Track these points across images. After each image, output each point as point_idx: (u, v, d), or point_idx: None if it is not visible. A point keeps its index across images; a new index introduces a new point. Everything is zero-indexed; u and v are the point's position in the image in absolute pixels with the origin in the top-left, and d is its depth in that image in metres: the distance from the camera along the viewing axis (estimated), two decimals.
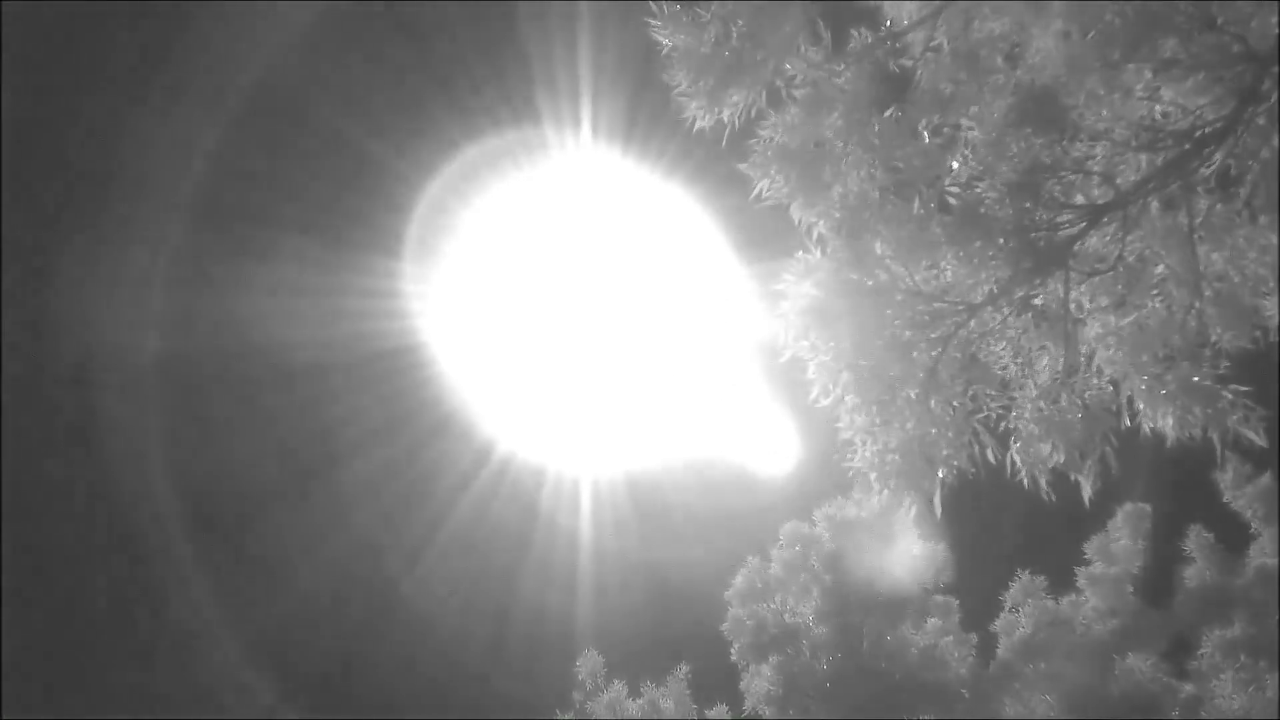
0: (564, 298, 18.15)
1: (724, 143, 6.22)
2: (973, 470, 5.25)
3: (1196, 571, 15.99)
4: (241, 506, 22.94)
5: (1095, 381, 5.18)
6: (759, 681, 15.93)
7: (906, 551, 17.05)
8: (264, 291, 19.62)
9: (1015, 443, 5.23)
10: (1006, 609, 16.72)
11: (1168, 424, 4.99)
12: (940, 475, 5.25)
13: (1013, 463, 5.25)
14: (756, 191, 6.00)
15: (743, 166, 6.07)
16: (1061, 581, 16.98)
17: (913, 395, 5.22)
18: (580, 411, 19.69)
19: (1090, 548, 16.95)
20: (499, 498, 21.29)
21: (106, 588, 22.09)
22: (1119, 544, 16.65)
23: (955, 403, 5.27)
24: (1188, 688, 14.05)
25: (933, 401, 5.21)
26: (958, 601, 17.26)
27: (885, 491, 5.23)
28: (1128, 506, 16.93)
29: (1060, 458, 5.10)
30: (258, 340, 20.12)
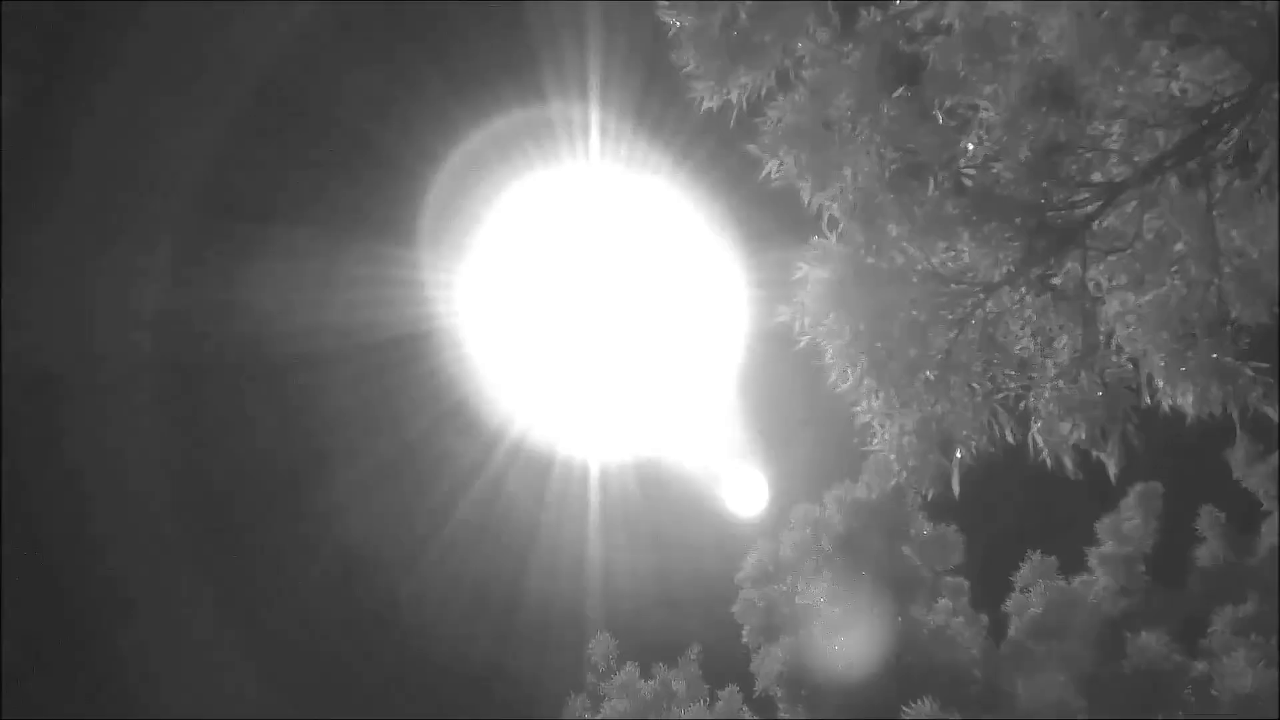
0: (573, 285, 18.11)
1: (733, 123, 6.20)
2: (992, 450, 5.25)
3: (1208, 551, 16.02)
4: (248, 496, 23.06)
5: (1115, 360, 5.17)
6: (770, 662, 15.99)
7: (917, 533, 17.10)
8: (263, 283, 19.65)
9: (1036, 423, 5.23)
10: (1017, 589, 16.76)
11: (1187, 401, 4.98)
12: (959, 456, 5.25)
13: (1033, 443, 5.25)
14: (765, 172, 5.98)
15: (751, 147, 6.06)
16: (1073, 562, 17.02)
17: (930, 377, 5.22)
18: (589, 399, 19.68)
19: (1102, 528, 16.98)
20: (507, 486, 21.35)
21: (99, 588, 22.17)
22: (1131, 524, 16.66)
23: (974, 384, 5.26)
24: (1199, 666, 14.07)
25: (951, 382, 5.20)
26: (968, 583, 17.31)
27: (904, 473, 5.23)
28: (1140, 486, 16.94)
29: (1081, 436, 5.09)
30: (257, 331, 20.18)
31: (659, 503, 20.85)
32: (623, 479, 20.43)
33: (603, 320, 18.30)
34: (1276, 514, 15.74)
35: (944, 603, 16.78)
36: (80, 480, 21.74)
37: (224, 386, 22.11)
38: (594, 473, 20.29)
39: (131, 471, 21.99)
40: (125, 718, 20.63)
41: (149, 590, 22.18)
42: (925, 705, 13.21)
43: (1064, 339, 5.30)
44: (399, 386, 20.65)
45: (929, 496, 5.26)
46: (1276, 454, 15.64)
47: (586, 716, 16.46)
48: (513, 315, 19.42)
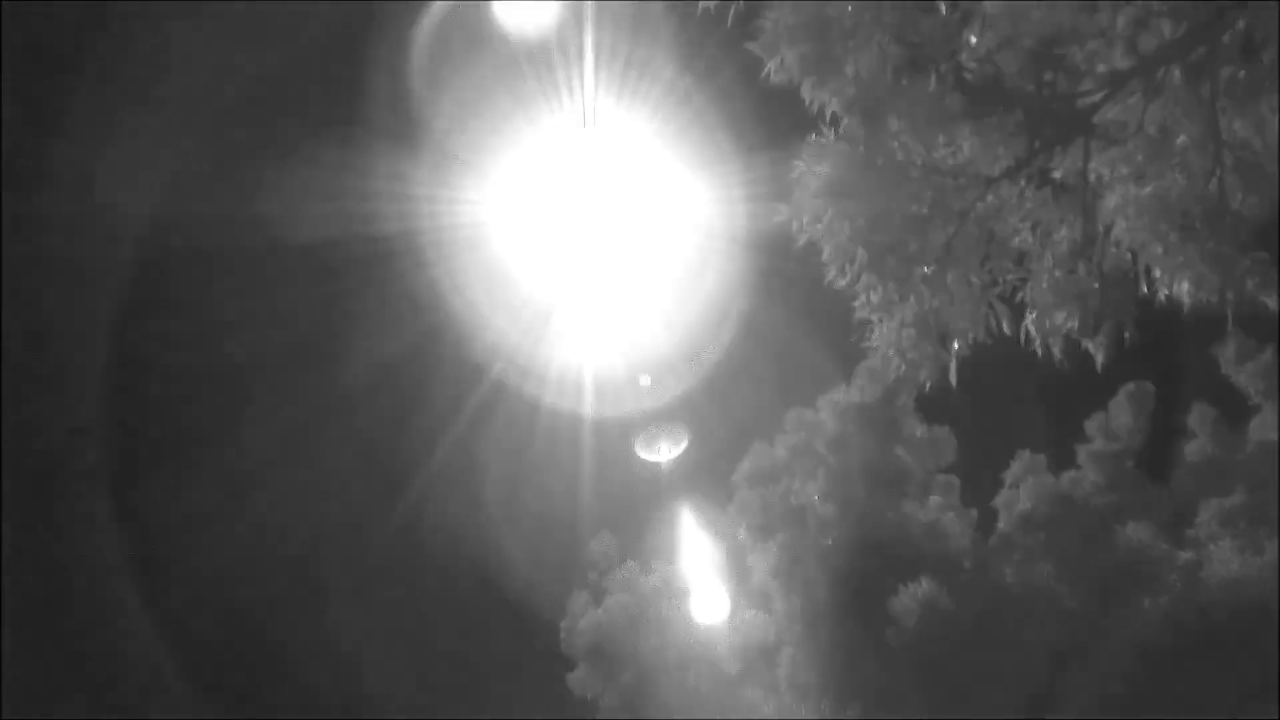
0: (569, 194, 17.90)
1: (729, 23, 6.07)
2: (989, 342, 5.29)
3: (1198, 446, 16.30)
4: (239, 402, 23.23)
5: (1113, 251, 5.17)
6: (766, 558, 16.48)
7: (910, 434, 17.39)
8: (259, 189, 19.45)
9: (1031, 313, 5.26)
10: (1007, 486, 17.13)
11: (1184, 290, 5.00)
12: (956, 348, 5.29)
13: (1027, 334, 5.28)
14: (765, 72, 5.87)
15: (751, 46, 5.93)
16: (1063, 460, 17.35)
17: (928, 271, 5.23)
18: (584, 305, 19.65)
19: (1092, 426, 17.26)
20: (502, 397, 21.49)
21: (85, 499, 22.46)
22: (1120, 421, 16.95)
23: (972, 277, 5.27)
24: (1185, 555, 14.47)
25: (949, 277, 5.22)
26: (959, 480, 17.66)
27: (901, 366, 5.29)
28: (1130, 385, 17.16)
29: (1075, 324, 5.13)
30: (251, 235, 20.07)
31: (651, 406, 21.04)
32: (617, 385, 20.56)
33: (598, 226, 18.16)
34: (1274, 409, 15.90)
35: (935, 499, 17.18)
36: (81, 370, 21.91)
37: (209, 287, 22.06)
38: (589, 380, 20.41)
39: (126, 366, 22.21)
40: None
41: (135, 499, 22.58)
42: (922, 585, 13.68)
43: (1063, 231, 5.29)
44: (399, 294, 20.60)
45: (927, 388, 5.30)
46: (1270, 349, 15.74)
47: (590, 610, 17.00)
48: (509, 224, 19.26)
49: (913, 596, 13.89)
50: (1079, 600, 14.27)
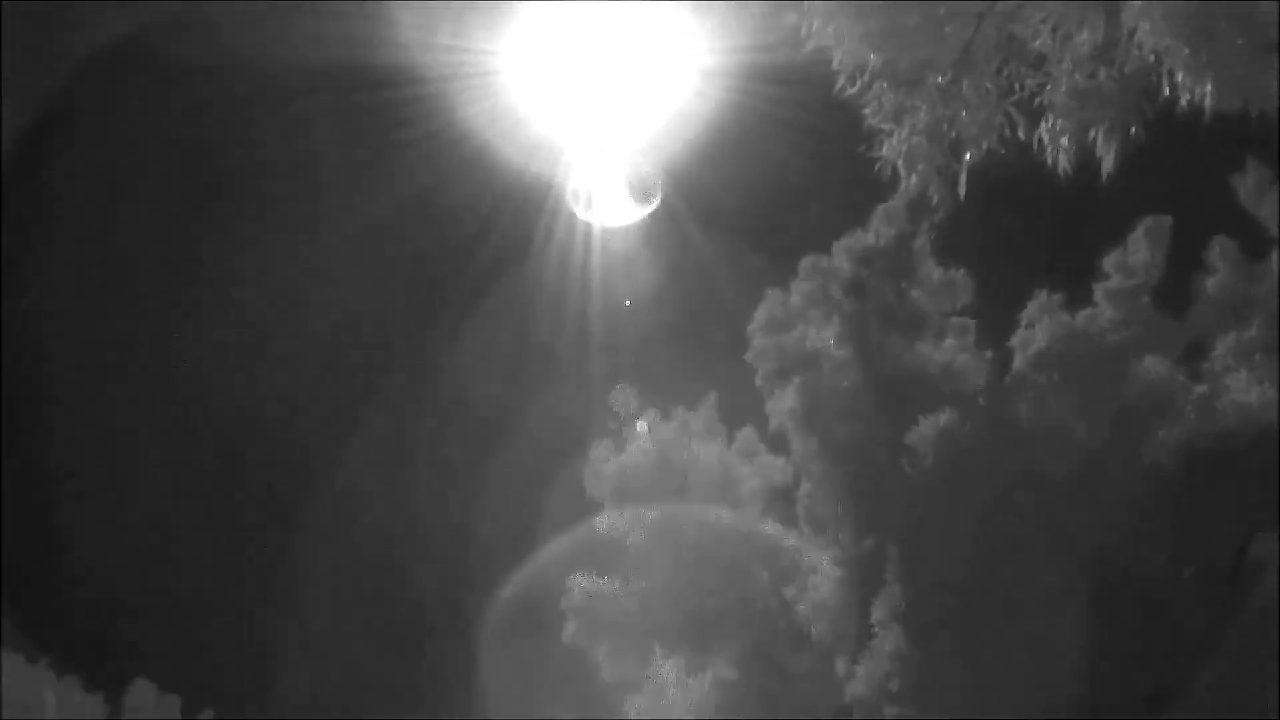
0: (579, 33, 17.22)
1: None
2: (1002, 152, 5.17)
3: (1218, 281, 16.15)
4: (254, 246, 23.36)
5: (1136, 54, 4.98)
6: (783, 403, 16.74)
7: (926, 276, 17.32)
8: (264, 29, 19.01)
9: (1047, 120, 5.11)
10: (1023, 326, 17.13)
11: (1206, 92, 4.83)
12: (968, 158, 5.19)
13: (1040, 141, 5.15)
14: None
15: None
16: (1080, 299, 17.27)
17: (942, 80, 5.08)
18: (585, 135, 19.12)
19: (1109, 263, 17.10)
20: (505, 239, 21.37)
21: None
22: (1137, 257, 16.77)
23: (987, 84, 5.11)
24: (1200, 388, 14.56)
25: (965, 83, 5.06)
26: (975, 322, 17.68)
27: (912, 177, 5.19)
28: (1148, 220, 16.89)
29: (1092, 126, 4.99)
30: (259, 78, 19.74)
31: (662, 254, 20.94)
32: (627, 233, 20.40)
33: (608, 68, 17.54)
34: None
35: (950, 342, 17.25)
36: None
37: (230, 133, 21.84)
38: (597, 228, 20.24)
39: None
40: None
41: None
42: (944, 415, 13.91)
43: (1084, 34, 5.08)
44: (409, 139, 20.28)
45: (935, 201, 5.21)
46: None
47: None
48: (518, 70, 18.67)
49: (932, 426, 14.16)
50: (1093, 433, 14.47)
